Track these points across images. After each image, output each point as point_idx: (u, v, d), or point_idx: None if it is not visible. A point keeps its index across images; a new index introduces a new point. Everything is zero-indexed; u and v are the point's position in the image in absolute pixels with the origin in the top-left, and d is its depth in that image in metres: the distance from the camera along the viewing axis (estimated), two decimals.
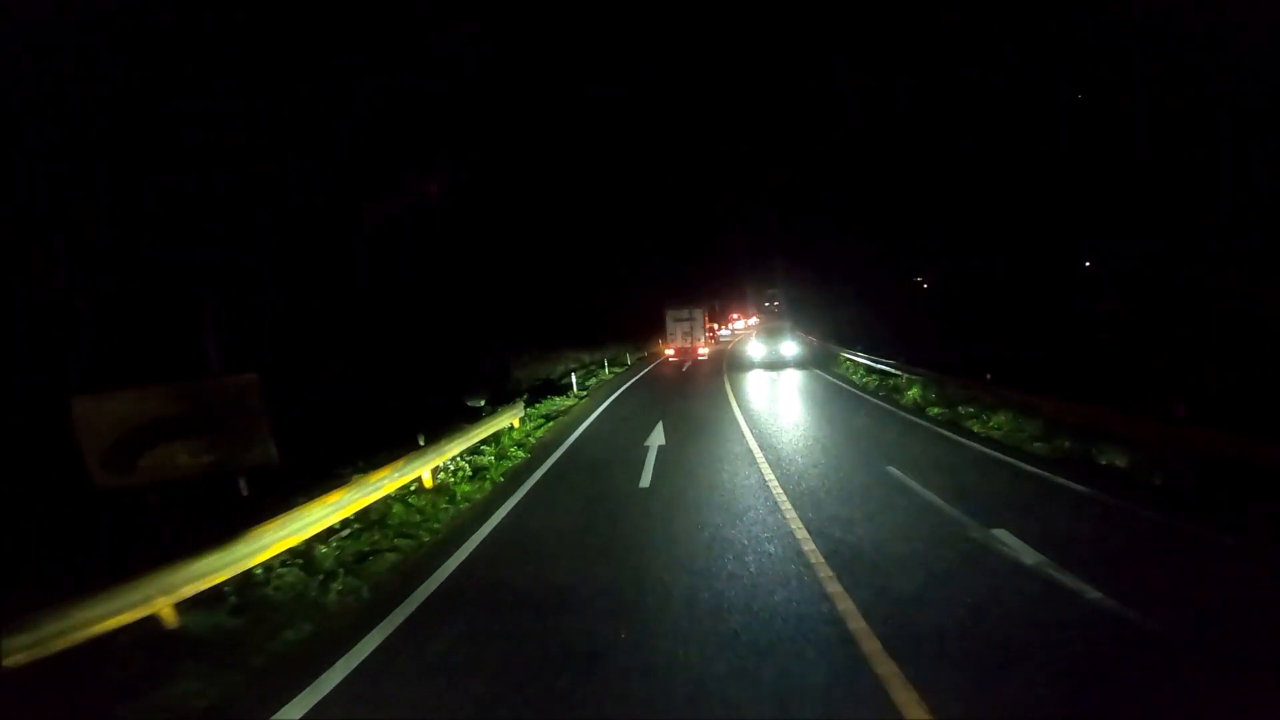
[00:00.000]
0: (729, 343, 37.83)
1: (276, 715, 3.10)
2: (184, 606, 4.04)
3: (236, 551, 4.28)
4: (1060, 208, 25.79)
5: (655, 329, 30.03)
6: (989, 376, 10.09)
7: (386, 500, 6.29)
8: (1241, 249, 18.23)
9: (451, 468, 7.52)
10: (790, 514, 5.63)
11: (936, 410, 10.81)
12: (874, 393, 14.06)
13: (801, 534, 5.13)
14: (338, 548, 5.20)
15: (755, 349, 22.05)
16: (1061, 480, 6.48)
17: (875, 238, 38.20)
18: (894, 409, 11.72)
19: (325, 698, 3.24)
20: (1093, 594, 3.97)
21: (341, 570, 4.83)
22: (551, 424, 11.52)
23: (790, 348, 21.44)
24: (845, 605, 3.94)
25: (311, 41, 14.09)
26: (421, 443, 6.95)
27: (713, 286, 49.83)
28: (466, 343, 20.17)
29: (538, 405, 13.33)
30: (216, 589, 4.23)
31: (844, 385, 15.72)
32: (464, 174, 22.42)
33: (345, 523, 5.63)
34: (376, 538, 5.53)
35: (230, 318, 12.02)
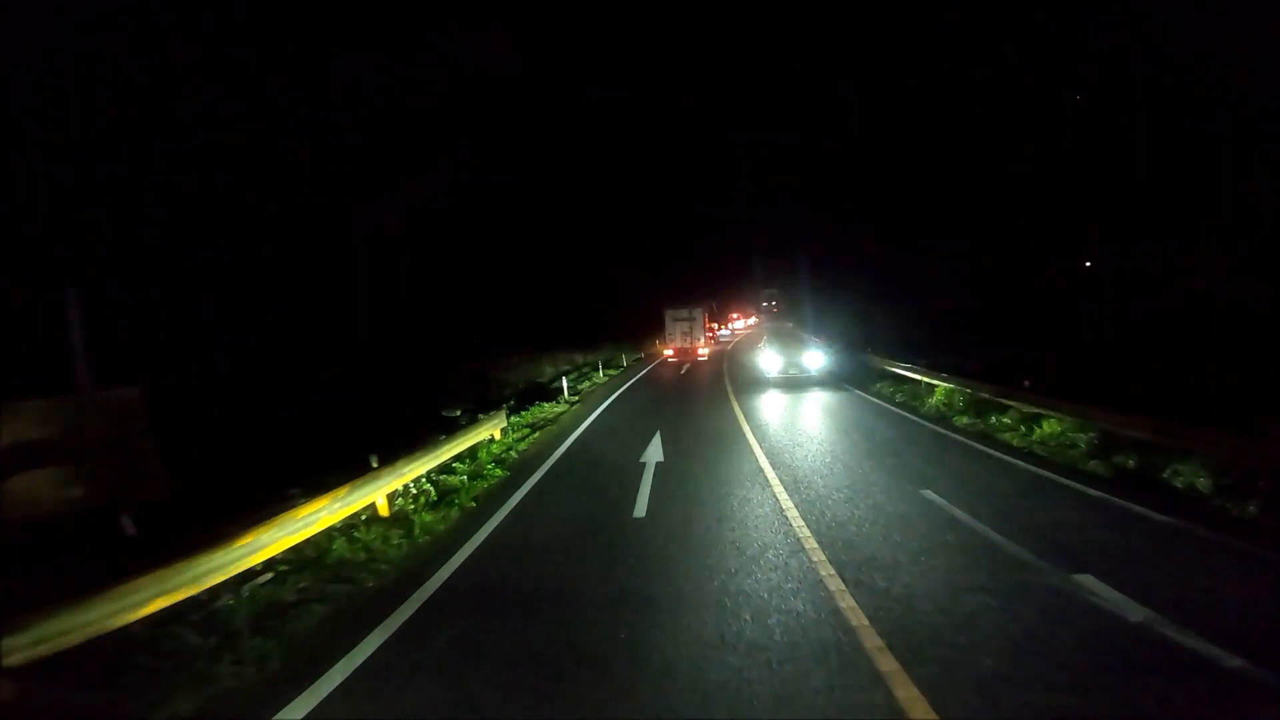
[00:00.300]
0: (729, 343, 36.90)
1: None
2: (32, 673, 3.02)
3: (95, 610, 3.25)
4: (1061, 207, 24.98)
5: (653, 329, 28.96)
6: (1027, 384, 9.04)
7: (330, 532, 5.25)
8: (1243, 249, 17.33)
9: (414, 491, 6.45)
10: (818, 555, 4.57)
11: (964, 420, 9.78)
12: (889, 399, 13.04)
13: (835, 583, 4.08)
14: (251, 598, 4.13)
15: (769, 361, 17.63)
16: (1138, 508, 5.44)
17: (877, 237, 37.21)
18: (916, 419, 10.70)
19: None
20: (1233, 661, 3.08)
21: (248, 630, 3.77)
22: (537, 434, 10.45)
23: (815, 358, 17.31)
24: (907, 692, 2.93)
25: (307, 48, 13.52)
26: (375, 464, 5.87)
27: (712, 286, 48.70)
28: (458, 344, 19.33)
29: (523, 413, 12.25)
30: (77, 652, 3.20)
31: (852, 389, 14.69)
32: (463, 175, 21.58)
33: (271, 563, 4.58)
34: (306, 583, 4.46)
35: (234, 320, 11.58)
